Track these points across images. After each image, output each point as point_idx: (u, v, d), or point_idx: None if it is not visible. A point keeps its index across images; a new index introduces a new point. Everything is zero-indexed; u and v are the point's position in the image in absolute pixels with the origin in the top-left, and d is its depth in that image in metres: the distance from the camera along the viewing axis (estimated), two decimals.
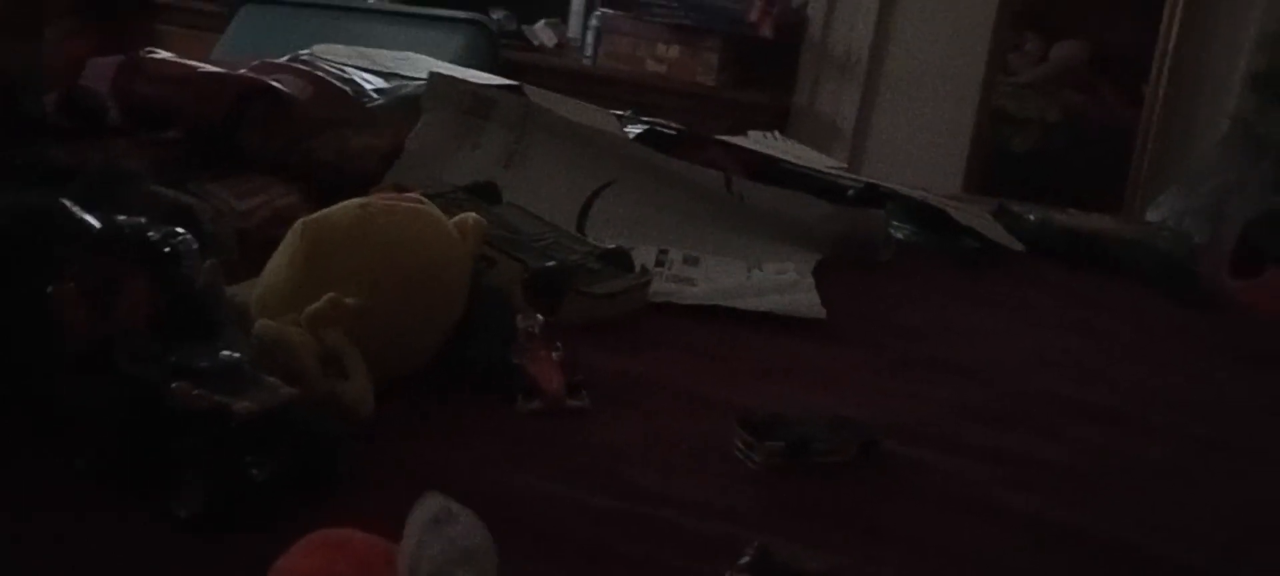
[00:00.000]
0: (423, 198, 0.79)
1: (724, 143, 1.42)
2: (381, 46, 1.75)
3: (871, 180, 1.47)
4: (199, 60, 1.19)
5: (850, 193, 1.39)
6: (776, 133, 1.94)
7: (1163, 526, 0.74)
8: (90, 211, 0.68)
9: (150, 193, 0.89)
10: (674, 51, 2.94)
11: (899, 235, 1.37)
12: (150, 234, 0.68)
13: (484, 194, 1.03)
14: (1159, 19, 2.88)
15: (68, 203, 0.67)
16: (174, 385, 0.56)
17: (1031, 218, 1.49)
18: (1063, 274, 1.36)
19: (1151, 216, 2.22)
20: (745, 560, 0.50)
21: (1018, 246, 1.40)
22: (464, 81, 1.25)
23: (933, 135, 2.96)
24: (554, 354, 0.80)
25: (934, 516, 0.72)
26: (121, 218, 0.68)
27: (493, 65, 2.65)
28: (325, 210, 0.74)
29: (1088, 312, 1.24)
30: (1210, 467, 0.86)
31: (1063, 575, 0.68)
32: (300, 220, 0.72)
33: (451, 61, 2.04)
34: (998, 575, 0.65)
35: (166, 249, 0.68)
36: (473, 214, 0.79)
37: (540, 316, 0.84)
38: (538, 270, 0.92)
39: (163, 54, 1.06)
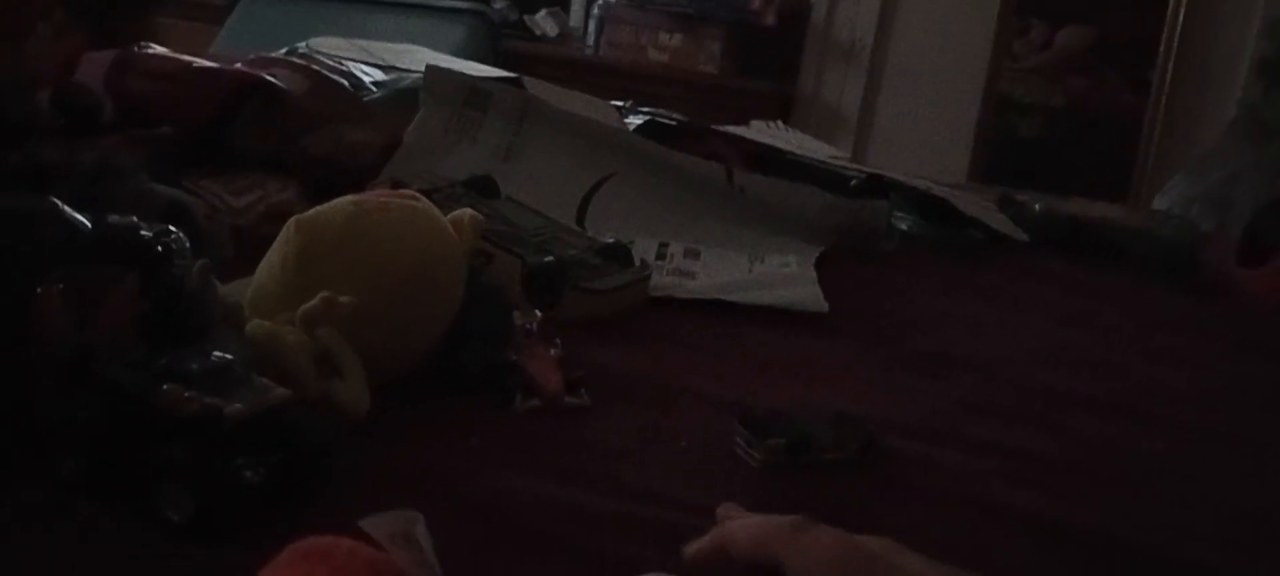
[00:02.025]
0: (418, 194, 0.79)
1: (725, 133, 1.41)
2: (383, 38, 1.75)
3: (874, 170, 1.47)
4: (200, 53, 1.18)
5: (853, 183, 1.38)
6: (779, 122, 1.93)
7: (1166, 521, 0.73)
8: (82, 210, 0.67)
9: (144, 189, 0.88)
10: (676, 40, 2.94)
11: (902, 226, 1.36)
12: (142, 233, 0.68)
13: (482, 188, 1.03)
14: (1165, 5, 2.87)
15: (57, 202, 0.66)
16: (164, 388, 0.55)
17: (1036, 207, 1.48)
18: (1067, 264, 1.35)
19: (1158, 204, 2.21)
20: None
21: (1022, 237, 1.39)
22: (461, 74, 1.24)
23: (937, 123, 2.95)
24: (552, 351, 0.80)
25: (935, 513, 0.71)
26: (113, 217, 0.68)
27: (494, 56, 2.65)
28: (318, 208, 0.73)
29: (1092, 303, 1.23)
30: (1215, 461, 0.85)
31: (1064, 571, 0.67)
32: (293, 218, 0.72)
33: (453, 52, 2.03)
34: (998, 572, 0.64)
35: (158, 248, 0.67)
36: (469, 210, 0.78)
37: (538, 313, 0.83)
38: (535, 266, 0.92)
39: (157, 49, 1.05)
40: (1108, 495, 0.77)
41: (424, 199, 0.77)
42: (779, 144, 1.48)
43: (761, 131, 1.64)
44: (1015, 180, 1.79)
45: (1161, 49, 2.86)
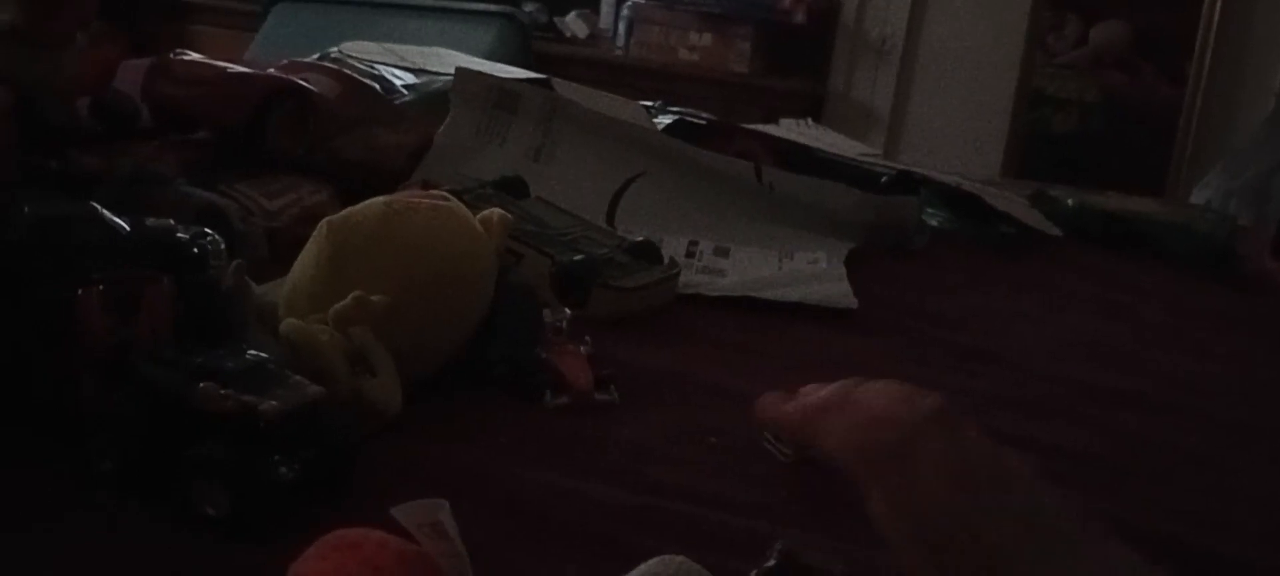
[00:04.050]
0: (448, 194, 0.79)
1: (754, 132, 1.41)
2: (415, 41, 1.76)
3: (905, 166, 1.46)
4: (234, 59, 1.20)
5: (883, 179, 1.38)
6: (809, 120, 1.93)
7: (1198, 516, 0.73)
8: (119, 215, 0.68)
9: (180, 193, 0.90)
10: (706, 40, 2.93)
11: (933, 222, 1.36)
12: (179, 235, 0.69)
13: (511, 189, 1.04)
14: None
15: (96, 206, 0.67)
16: (200, 386, 0.56)
17: (1069, 202, 1.47)
18: (1101, 259, 1.34)
19: (1195, 198, 2.18)
20: (769, 564, 0.50)
21: (1055, 231, 1.38)
22: (490, 76, 1.25)
23: (970, 119, 2.93)
24: (582, 348, 0.80)
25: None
26: (150, 220, 0.69)
27: (525, 58, 2.66)
28: (350, 209, 0.74)
29: (1126, 298, 1.22)
30: (1250, 456, 0.84)
31: None
32: (325, 220, 0.73)
33: (484, 55, 2.05)
34: None
35: (194, 250, 0.69)
36: (497, 210, 0.79)
37: (568, 311, 0.84)
38: (565, 264, 0.92)
39: (191, 55, 1.07)
40: (1140, 490, 0.76)
41: (454, 199, 0.78)
42: (808, 142, 1.48)
43: (791, 129, 1.64)
44: (1050, 176, 1.77)
45: (1198, 41, 2.82)
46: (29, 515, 0.55)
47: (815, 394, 0.54)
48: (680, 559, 0.47)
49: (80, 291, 0.59)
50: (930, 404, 0.50)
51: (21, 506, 0.56)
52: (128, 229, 0.67)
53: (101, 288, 0.59)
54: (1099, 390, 0.92)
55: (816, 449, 0.51)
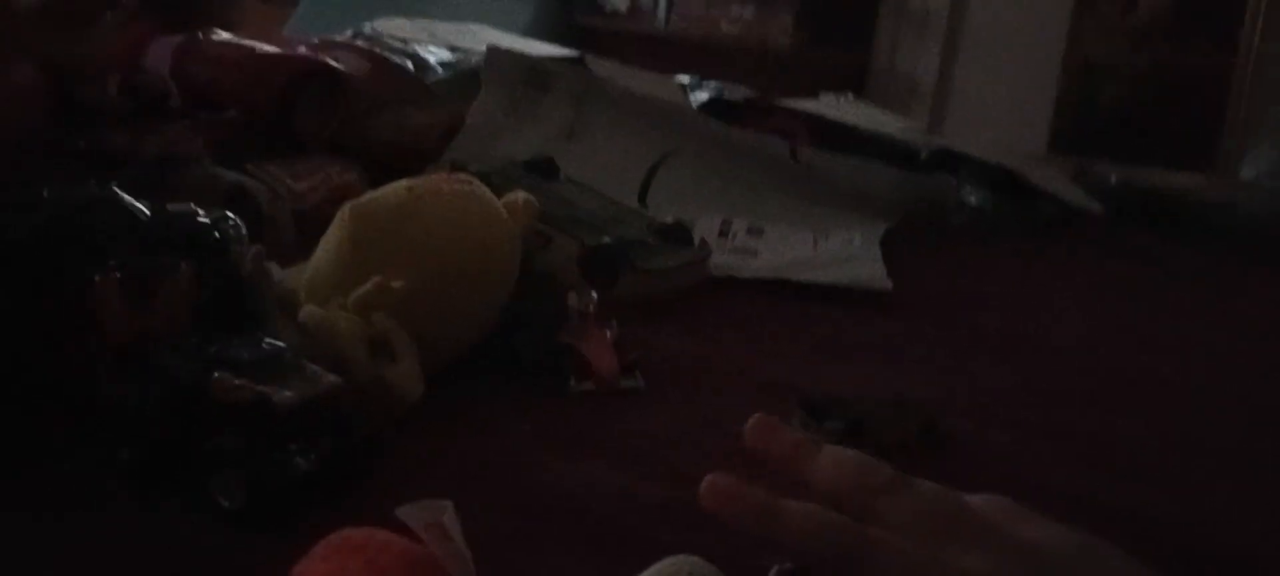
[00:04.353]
0: (471, 177, 0.79)
1: (791, 109, 1.39)
2: (453, 16, 1.76)
3: (943, 143, 1.43)
4: (274, 36, 1.20)
5: (922, 155, 1.35)
6: (850, 95, 1.89)
7: (1235, 510, 0.70)
8: (145, 197, 0.68)
9: (208, 174, 0.90)
10: (748, 12, 2.90)
11: (971, 201, 1.33)
12: (199, 220, 0.69)
13: (541, 169, 1.03)
14: None
15: (116, 190, 0.67)
16: (215, 376, 0.56)
17: (1112, 179, 1.43)
18: (1146, 239, 1.31)
19: (1245, 171, 2.12)
20: (788, 567, 0.48)
21: (1096, 209, 1.35)
22: (522, 54, 1.24)
23: (1016, 91, 2.88)
24: (608, 333, 0.79)
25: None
26: (171, 206, 0.69)
27: (566, 31, 2.65)
28: (371, 193, 0.73)
29: (1171, 281, 1.19)
30: None
31: None
32: (347, 203, 0.72)
33: (522, 30, 2.04)
34: None
35: (214, 235, 0.68)
36: (522, 194, 0.78)
37: (594, 294, 0.83)
38: (593, 247, 0.91)
39: (221, 35, 1.06)
40: (1176, 482, 0.74)
41: (478, 182, 0.77)
42: (847, 119, 1.46)
43: (830, 105, 1.61)
44: (1097, 149, 1.73)
45: (1249, 8, 2.74)
46: (46, 502, 0.55)
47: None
48: (694, 559, 0.46)
49: (97, 279, 0.59)
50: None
51: (39, 493, 0.56)
52: (148, 214, 0.66)
53: (118, 275, 0.59)
54: (1137, 377, 0.90)
55: None
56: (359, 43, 1.34)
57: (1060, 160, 1.62)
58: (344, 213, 0.72)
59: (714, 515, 0.45)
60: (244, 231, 0.69)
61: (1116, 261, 1.22)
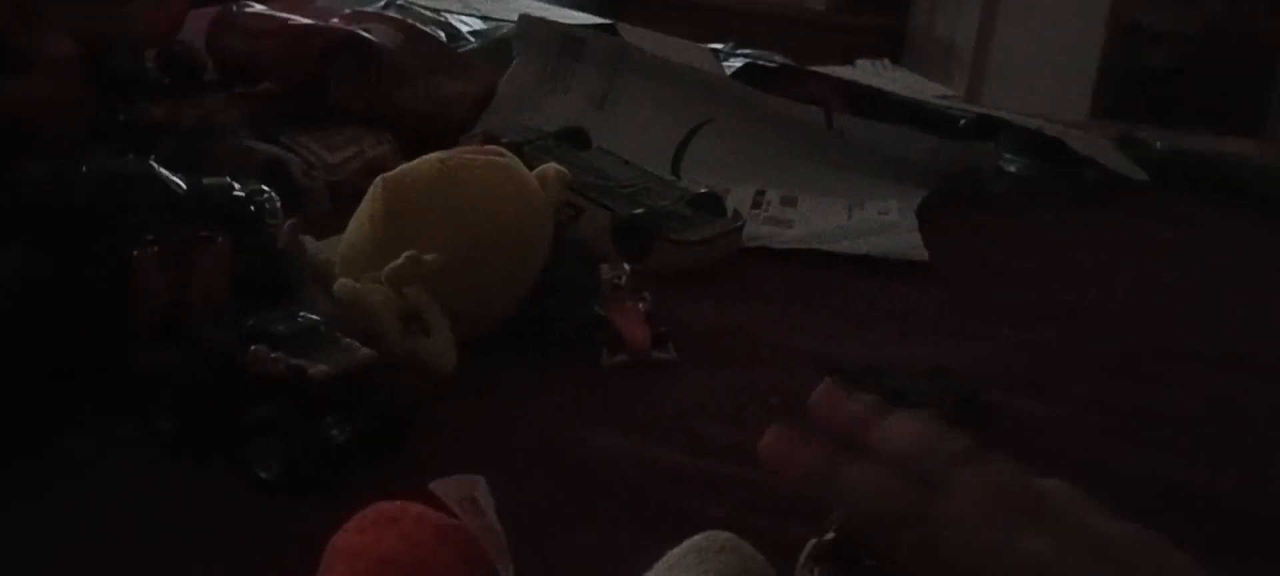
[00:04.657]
0: (503, 148, 0.78)
1: (826, 75, 1.37)
2: None
3: (983, 109, 1.41)
4: (305, 8, 1.20)
5: (961, 122, 1.33)
6: (887, 61, 1.87)
7: None
8: (182, 170, 0.69)
9: (243, 146, 0.91)
10: None
11: (1011, 168, 1.31)
12: (235, 193, 0.69)
13: (573, 139, 1.02)
14: None
15: (154, 164, 0.68)
16: (251, 349, 0.56)
17: (1157, 145, 1.40)
18: (1193, 207, 1.28)
19: None
20: (829, 536, 0.48)
21: (1141, 176, 1.32)
22: (554, 22, 1.23)
23: (1058, 54, 2.83)
24: (640, 305, 0.79)
25: (1035, 473, 0.68)
26: (207, 179, 0.69)
27: None
28: (404, 166, 0.73)
29: (1217, 249, 1.16)
30: None
31: (1172, 536, 0.64)
32: (379, 177, 0.72)
33: None
34: None
35: (250, 208, 0.69)
36: (554, 165, 0.77)
37: (627, 266, 0.83)
38: (625, 218, 0.91)
39: (256, 6, 1.07)
40: (1222, 454, 0.73)
41: (510, 154, 0.77)
42: (883, 85, 1.44)
43: (866, 71, 1.59)
44: (1143, 115, 1.70)
45: None
46: (85, 470, 0.56)
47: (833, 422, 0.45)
48: (726, 535, 0.46)
49: (135, 252, 0.59)
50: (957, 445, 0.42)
51: (79, 461, 0.57)
52: (185, 188, 0.67)
53: (156, 248, 0.60)
54: (1183, 347, 0.88)
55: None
56: (391, 12, 1.34)
57: (1103, 126, 1.59)
58: (376, 186, 0.72)
59: (774, 470, 0.43)
60: (279, 204, 0.70)
61: (1161, 229, 1.20)
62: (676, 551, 0.45)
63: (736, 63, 1.38)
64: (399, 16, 1.24)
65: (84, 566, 0.49)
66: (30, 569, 0.49)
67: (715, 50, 1.41)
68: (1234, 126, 1.80)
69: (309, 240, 0.72)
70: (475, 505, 0.41)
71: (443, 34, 1.33)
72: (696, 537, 0.46)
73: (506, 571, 0.41)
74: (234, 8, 1.04)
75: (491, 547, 0.41)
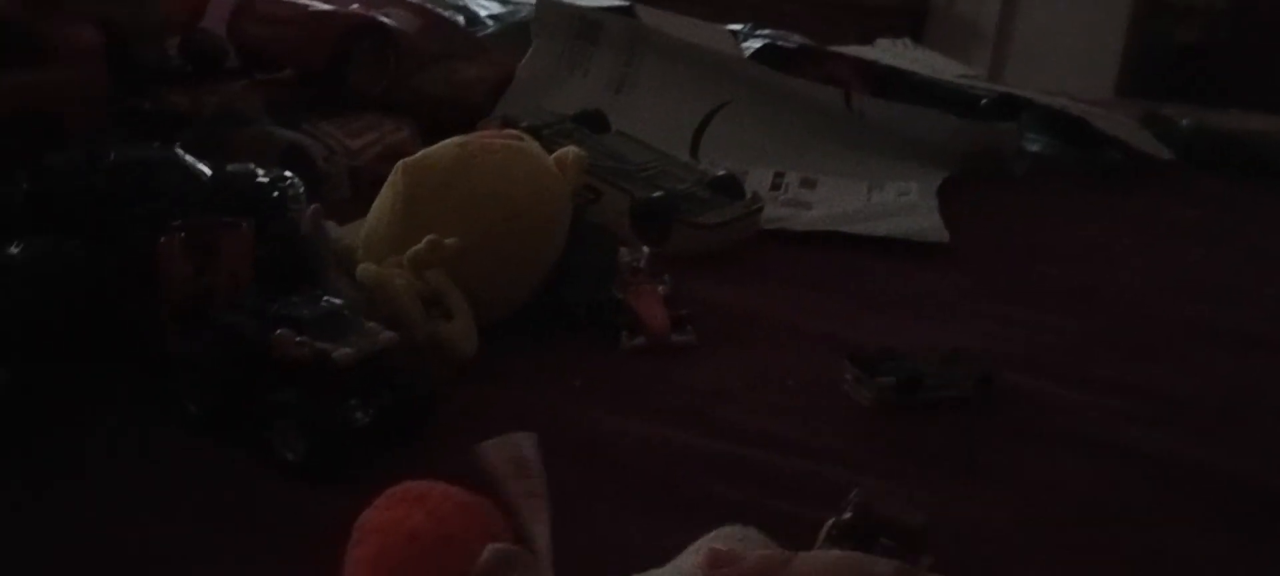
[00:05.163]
0: (522, 133, 0.79)
1: (845, 55, 1.37)
2: None
3: (1005, 88, 1.40)
4: None
5: (983, 102, 1.32)
6: (907, 39, 1.86)
7: None
8: (205, 156, 0.70)
9: (265, 133, 0.91)
10: None
11: (1033, 148, 1.30)
12: (258, 180, 0.70)
13: (591, 123, 1.02)
14: None
15: (178, 152, 0.69)
16: (276, 333, 0.57)
17: (1183, 123, 1.39)
18: (1219, 187, 1.27)
19: None
20: (846, 516, 0.48)
21: (1165, 155, 1.31)
22: (572, 6, 1.23)
23: (1083, 30, 2.79)
24: (659, 288, 0.79)
25: (1053, 457, 0.68)
26: (231, 166, 0.70)
27: None
28: (424, 151, 0.74)
29: (1244, 228, 1.15)
30: None
31: (1192, 519, 0.64)
32: (400, 162, 0.73)
33: None
34: (1120, 520, 0.62)
35: (273, 194, 0.70)
36: (572, 148, 0.78)
37: (646, 249, 0.83)
38: (643, 201, 0.91)
39: None
40: (1244, 437, 0.73)
41: (528, 138, 0.77)
42: (903, 64, 1.43)
43: (886, 51, 1.58)
44: (1170, 93, 1.67)
45: None
46: (114, 453, 0.57)
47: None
48: (748, 530, 0.46)
49: (161, 239, 0.60)
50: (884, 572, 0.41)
51: (108, 445, 0.58)
52: (209, 174, 0.68)
53: (182, 235, 0.60)
54: (1211, 332, 0.88)
55: None
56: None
57: (1128, 105, 1.58)
58: (397, 171, 0.73)
59: None
60: (302, 190, 0.70)
61: (1186, 209, 1.19)
62: (695, 545, 0.45)
63: (756, 43, 1.38)
64: (417, 1, 1.24)
65: (114, 545, 0.50)
66: (65, 548, 0.50)
67: (734, 31, 1.41)
68: (1265, 104, 1.77)
69: (331, 225, 0.73)
70: (521, 466, 0.42)
71: (461, 18, 1.34)
72: (715, 533, 0.46)
73: (541, 536, 0.41)
74: None
75: (530, 511, 0.42)
